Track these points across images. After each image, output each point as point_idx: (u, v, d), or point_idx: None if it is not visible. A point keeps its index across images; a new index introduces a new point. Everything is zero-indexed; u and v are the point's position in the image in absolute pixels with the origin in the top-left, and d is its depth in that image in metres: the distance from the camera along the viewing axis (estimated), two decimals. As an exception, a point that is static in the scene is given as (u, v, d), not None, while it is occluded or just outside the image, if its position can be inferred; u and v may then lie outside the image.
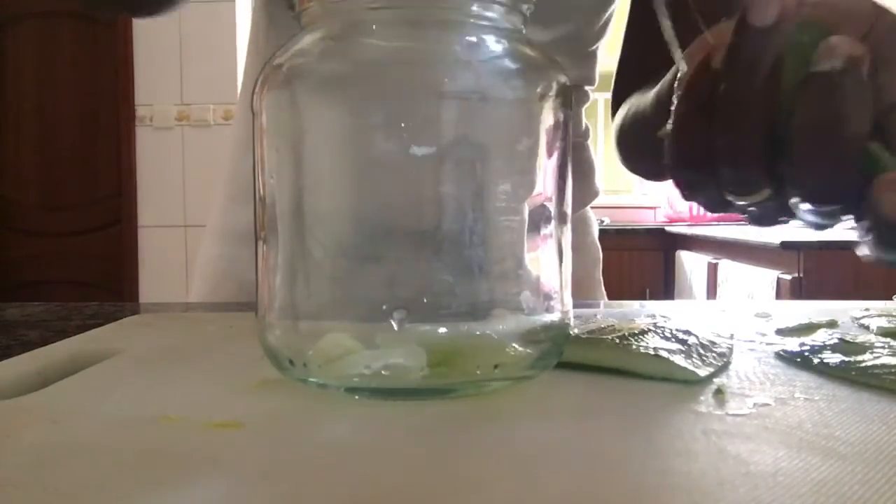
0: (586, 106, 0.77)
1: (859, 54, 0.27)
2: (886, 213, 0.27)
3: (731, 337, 0.39)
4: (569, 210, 0.31)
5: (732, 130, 0.29)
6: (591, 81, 0.74)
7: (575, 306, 0.32)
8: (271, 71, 0.30)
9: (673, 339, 0.35)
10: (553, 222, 0.30)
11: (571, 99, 0.31)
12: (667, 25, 0.33)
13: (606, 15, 0.70)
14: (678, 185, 0.32)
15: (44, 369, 0.35)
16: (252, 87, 0.30)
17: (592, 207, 0.81)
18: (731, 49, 0.29)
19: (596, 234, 0.83)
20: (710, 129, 0.29)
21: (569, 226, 0.31)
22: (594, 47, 0.72)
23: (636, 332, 0.35)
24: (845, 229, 0.30)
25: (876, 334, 0.40)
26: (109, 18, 0.72)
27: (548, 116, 0.29)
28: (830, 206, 0.29)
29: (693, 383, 0.31)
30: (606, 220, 3.11)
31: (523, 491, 0.20)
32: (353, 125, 0.29)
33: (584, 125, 0.77)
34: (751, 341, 0.40)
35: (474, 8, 0.29)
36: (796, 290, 1.90)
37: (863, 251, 0.29)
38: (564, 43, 0.68)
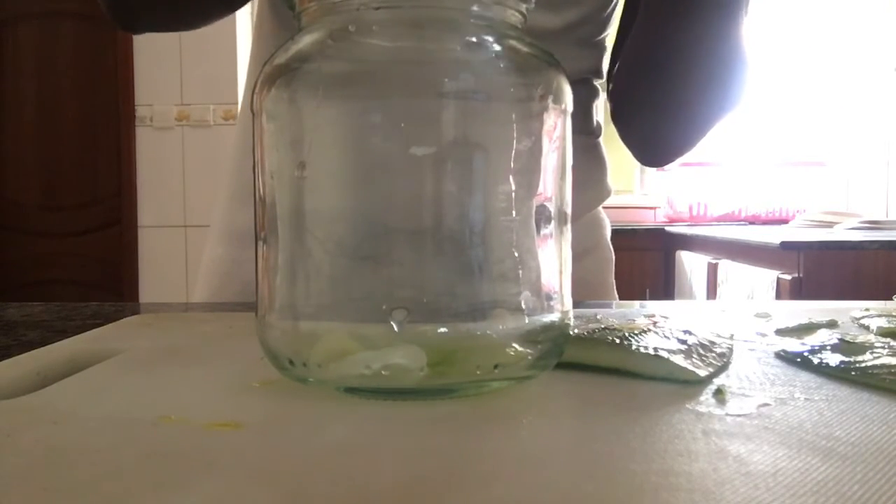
0: (597, 102, 0.75)
1: None
2: None
3: (731, 337, 0.39)
4: (569, 210, 0.31)
5: None
6: (600, 74, 0.72)
7: (585, 307, 0.32)
8: (271, 71, 0.30)
9: (673, 339, 0.35)
10: (553, 222, 0.30)
11: (572, 98, 0.31)
12: None
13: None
14: None
15: (44, 369, 0.35)
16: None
17: (594, 207, 0.79)
18: None
19: (609, 235, 0.81)
20: None
21: (569, 226, 0.31)
22: (603, 35, 0.71)
23: (636, 332, 0.35)
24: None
25: (876, 334, 0.40)
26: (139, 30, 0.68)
27: (548, 116, 0.29)
28: None
29: (693, 383, 0.31)
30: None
31: (523, 491, 0.20)
32: (353, 125, 0.29)
33: (595, 122, 0.74)
34: (751, 341, 0.40)
35: (474, 8, 0.29)
36: (796, 290, 1.89)
37: None
38: (574, 29, 0.67)
